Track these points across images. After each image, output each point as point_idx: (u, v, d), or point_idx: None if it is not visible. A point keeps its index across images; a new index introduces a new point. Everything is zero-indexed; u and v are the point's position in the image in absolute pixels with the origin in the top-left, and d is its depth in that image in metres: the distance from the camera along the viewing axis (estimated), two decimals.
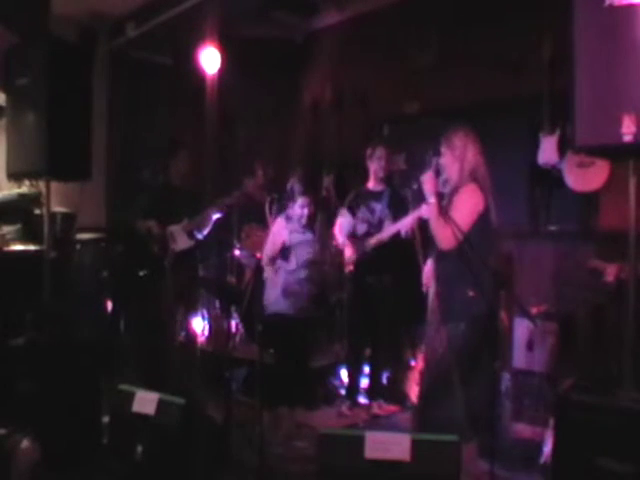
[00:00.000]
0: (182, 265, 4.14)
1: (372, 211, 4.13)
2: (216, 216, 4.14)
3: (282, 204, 4.25)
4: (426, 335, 3.02)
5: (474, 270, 2.70)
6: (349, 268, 4.16)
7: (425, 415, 2.90)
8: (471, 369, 2.75)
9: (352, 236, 4.16)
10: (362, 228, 4.14)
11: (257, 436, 3.01)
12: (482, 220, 2.81)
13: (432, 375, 2.91)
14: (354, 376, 4.28)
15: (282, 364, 3.98)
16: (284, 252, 4.19)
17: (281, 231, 4.23)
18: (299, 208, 4.19)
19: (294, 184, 4.21)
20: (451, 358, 2.77)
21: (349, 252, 4.13)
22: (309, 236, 4.27)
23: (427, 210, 2.92)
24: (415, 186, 3.08)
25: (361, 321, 4.18)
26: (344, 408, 4.16)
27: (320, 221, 4.37)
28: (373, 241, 4.01)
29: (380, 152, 4.14)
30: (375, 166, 4.16)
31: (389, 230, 3.99)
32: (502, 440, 3.21)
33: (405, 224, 3.87)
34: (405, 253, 4.03)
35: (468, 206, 2.81)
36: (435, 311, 2.94)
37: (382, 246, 4.00)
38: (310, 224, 4.27)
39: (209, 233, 4.23)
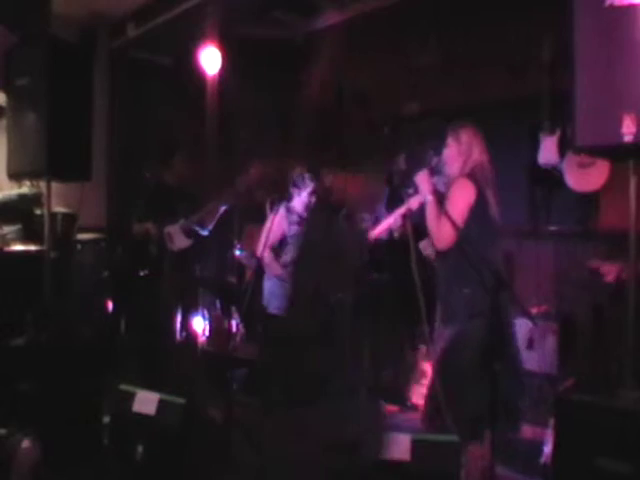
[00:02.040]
0: (181, 265, 4.15)
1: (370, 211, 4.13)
2: (222, 209, 4.11)
3: (285, 195, 3.98)
4: (434, 337, 3.00)
5: (474, 267, 2.68)
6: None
7: (436, 417, 2.88)
8: (475, 370, 2.74)
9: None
10: None
11: (257, 436, 3.01)
12: (477, 214, 2.77)
13: (439, 378, 2.89)
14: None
15: (277, 364, 3.93)
16: (280, 244, 4.00)
17: (282, 221, 3.99)
18: (307, 196, 3.97)
19: (303, 172, 3.99)
20: (455, 359, 2.76)
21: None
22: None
23: (414, 202, 2.89)
24: (411, 190, 3.06)
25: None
26: None
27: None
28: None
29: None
30: None
31: (379, 227, 3.98)
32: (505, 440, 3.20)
33: (393, 218, 3.85)
34: (404, 251, 4.01)
35: (459, 199, 2.78)
36: (439, 311, 2.93)
37: (380, 245, 4.00)
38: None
39: (212, 230, 4.21)
